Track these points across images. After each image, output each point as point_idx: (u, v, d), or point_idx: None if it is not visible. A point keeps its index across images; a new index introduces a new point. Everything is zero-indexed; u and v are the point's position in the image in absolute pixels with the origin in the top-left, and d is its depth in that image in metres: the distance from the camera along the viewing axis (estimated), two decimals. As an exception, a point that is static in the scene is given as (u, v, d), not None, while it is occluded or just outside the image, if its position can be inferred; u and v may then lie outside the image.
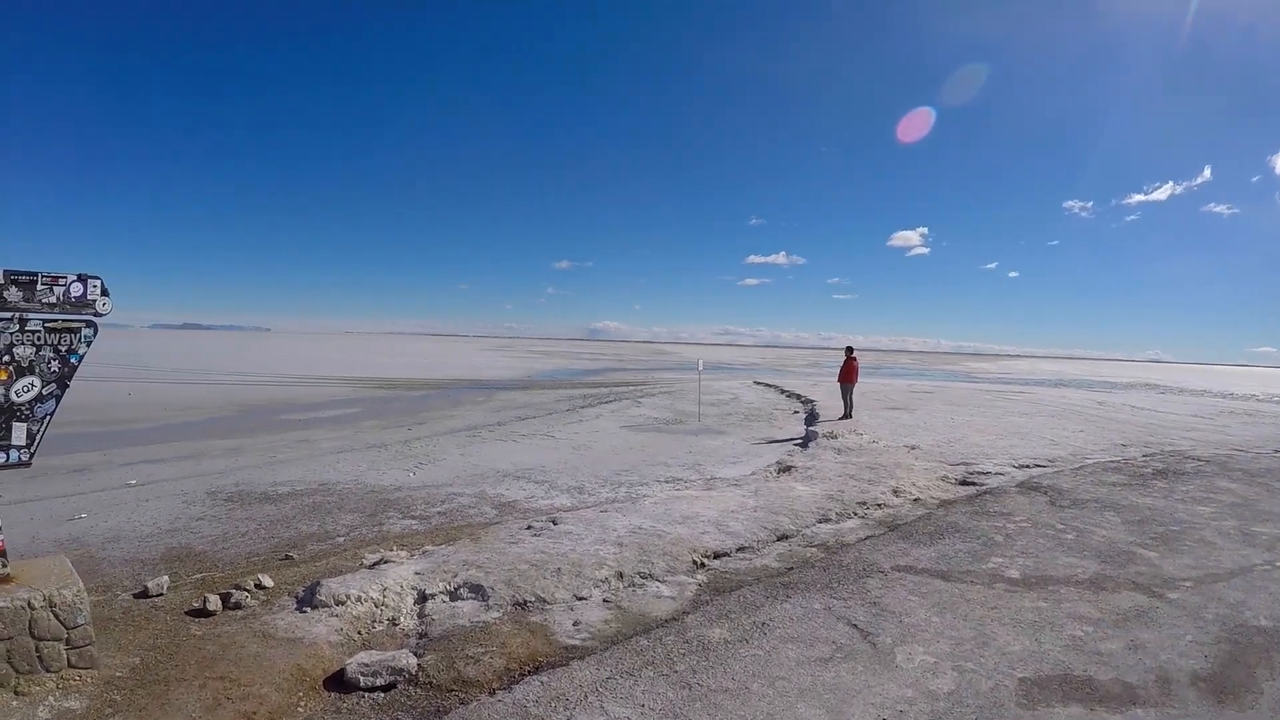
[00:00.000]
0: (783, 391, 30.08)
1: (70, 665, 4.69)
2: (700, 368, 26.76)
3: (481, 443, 16.99)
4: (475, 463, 14.34)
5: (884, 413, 20.66)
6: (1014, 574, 6.59)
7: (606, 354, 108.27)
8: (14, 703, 4.39)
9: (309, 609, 6.04)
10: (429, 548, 7.68)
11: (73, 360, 4.95)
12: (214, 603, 6.27)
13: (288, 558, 8.07)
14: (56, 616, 4.62)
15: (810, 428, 17.08)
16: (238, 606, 6.32)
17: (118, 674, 4.93)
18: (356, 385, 37.01)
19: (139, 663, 5.14)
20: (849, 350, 19.81)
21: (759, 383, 36.12)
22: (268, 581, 6.94)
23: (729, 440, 16.82)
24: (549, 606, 5.93)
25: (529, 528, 8.22)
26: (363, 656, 4.95)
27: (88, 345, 5.00)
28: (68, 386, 5.01)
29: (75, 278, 4.85)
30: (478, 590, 6.10)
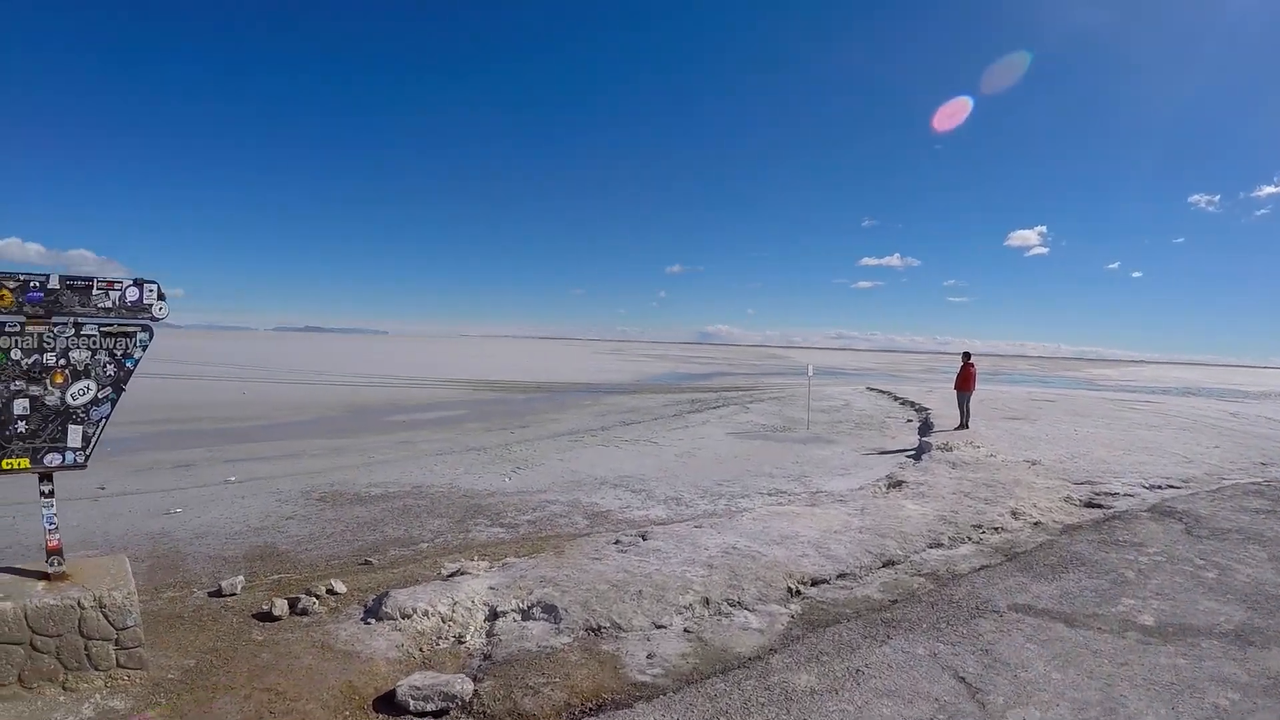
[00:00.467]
0: (896, 398, 30.11)
1: (119, 665, 4.84)
2: (810, 373, 26.19)
3: (583, 448, 17.16)
4: (574, 469, 14.42)
5: (1002, 423, 20.38)
6: (1147, 620, 6.10)
7: (717, 358, 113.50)
8: (61, 697, 4.59)
9: (374, 620, 5.96)
10: (510, 559, 7.49)
11: (128, 364, 5.17)
12: (280, 608, 6.35)
13: (367, 563, 8.20)
14: (106, 617, 4.79)
15: (924, 438, 17.11)
16: (304, 613, 6.37)
17: (170, 675, 5.02)
18: (465, 388, 38.90)
19: (193, 666, 5.23)
20: (966, 356, 19.72)
21: (871, 389, 36.62)
22: (340, 587, 6.99)
23: (838, 450, 16.88)
24: (624, 634, 5.52)
25: (616, 542, 7.89)
26: (417, 678, 4.71)
27: (143, 349, 5.22)
28: (123, 390, 5.22)
29: (131, 282, 5.09)
30: (551, 611, 5.76)
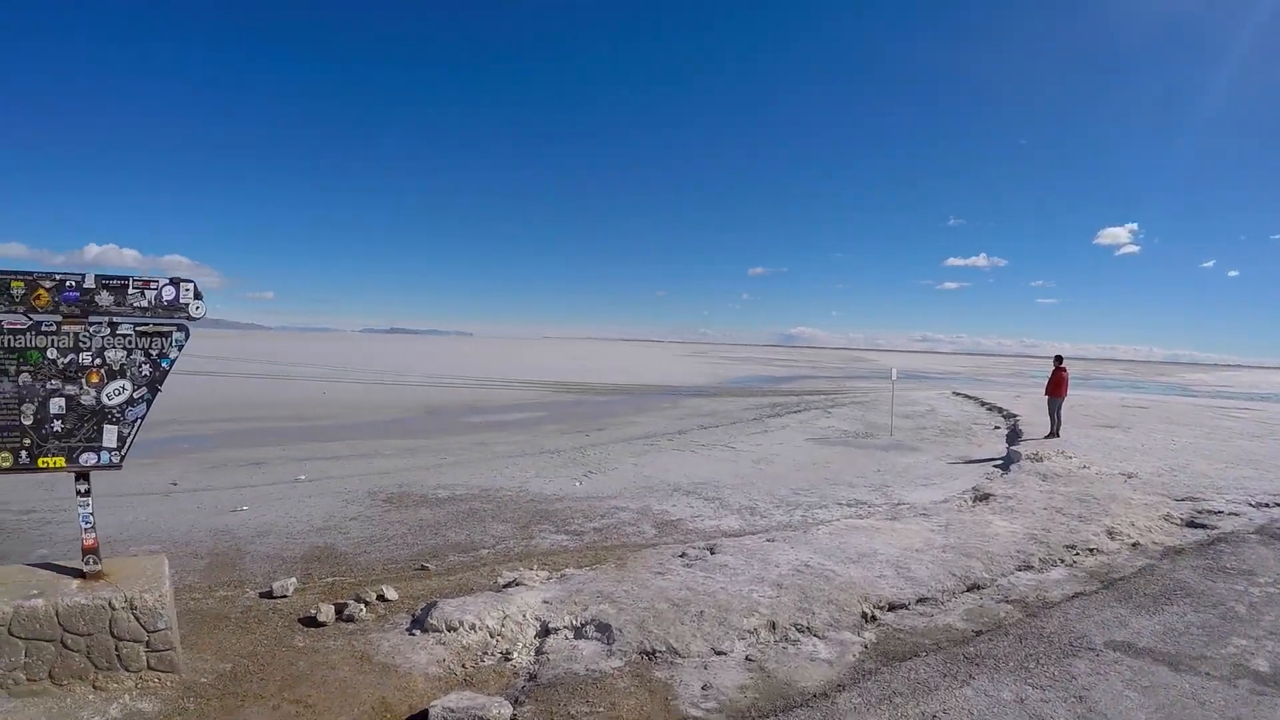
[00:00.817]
0: (983, 404, 30.38)
1: (149, 668, 4.96)
2: (894, 376, 25.66)
3: (658, 452, 17.22)
4: (647, 474, 14.40)
5: (1094, 431, 20.10)
6: (1261, 666, 5.70)
7: (800, 360, 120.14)
8: (90, 696, 4.74)
9: (419, 632, 5.89)
10: (569, 571, 7.31)
11: (164, 365, 5.33)
12: (326, 613, 6.41)
13: (423, 568, 8.24)
14: (137, 619, 4.92)
15: (1012, 447, 17.11)
16: (350, 619, 6.40)
17: (202, 680, 5.09)
18: (545, 389, 39.67)
19: (229, 670, 5.30)
20: (1058, 360, 19.66)
21: (957, 393, 37.10)
22: (391, 594, 7.01)
23: (922, 458, 16.89)
24: (679, 661, 5.22)
25: (682, 555, 7.62)
26: (453, 699, 4.55)
27: (179, 349, 5.37)
28: (159, 391, 5.37)
29: (167, 281, 5.24)
30: (605, 630, 5.52)
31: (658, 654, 5.21)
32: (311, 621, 6.33)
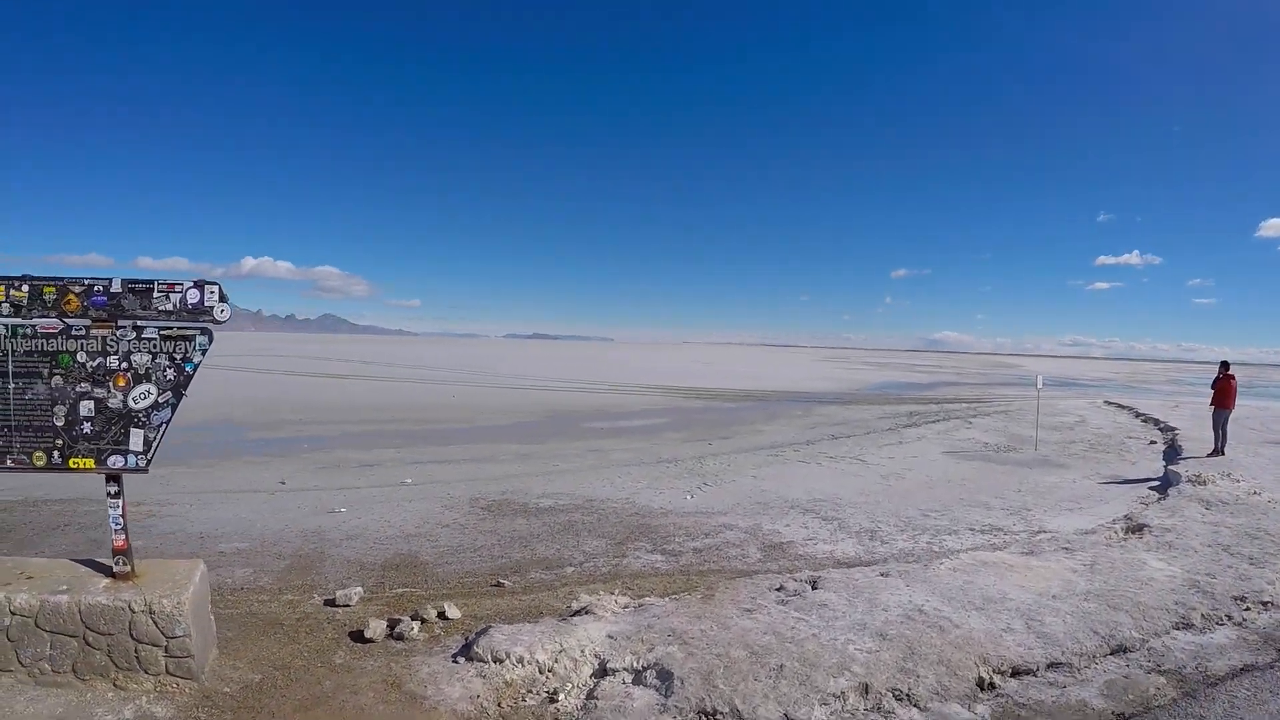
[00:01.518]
0: (1137, 415, 28.93)
1: (168, 672, 4.93)
2: (1039, 384, 23.44)
3: (781, 464, 16.50)
4: (765, 488, 13.68)
5: (1264, 450, 18.45)
6: None
7: (943, 366, 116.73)
8: (110, 694, 4.80)
9: (463, 660, 5.51)
10: (650, 600, 6.71)
11: (187, 369, 5.40)
12: (376, 629, 6.21)
13: (499, 584, 7.95)
14: (155, 623, 4.92)
15: (1170, 466, 15.94)
16: (400, 637, 6.15)
17: (225, 689, 5.01)
18: (676, 395, 39.46)
19: (256, 682, 5.19)
20: (1225, 366, 18.23)
21: (1109, 402, 35.72)
22: (454, 612, 6.72)
23: (1068, 476, 15.72)
24: None
25: (780, 588, 6.79)
26: (470, 745, 4.01)
27: (203, 353, 5.42)
28: (184, 395, 5.44)
29: (192, 284, 5.33)
30: (666, 678, 4.85)
31: (718, 715, 4.45)
32: (360, 636, 6.14)
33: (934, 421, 26.54)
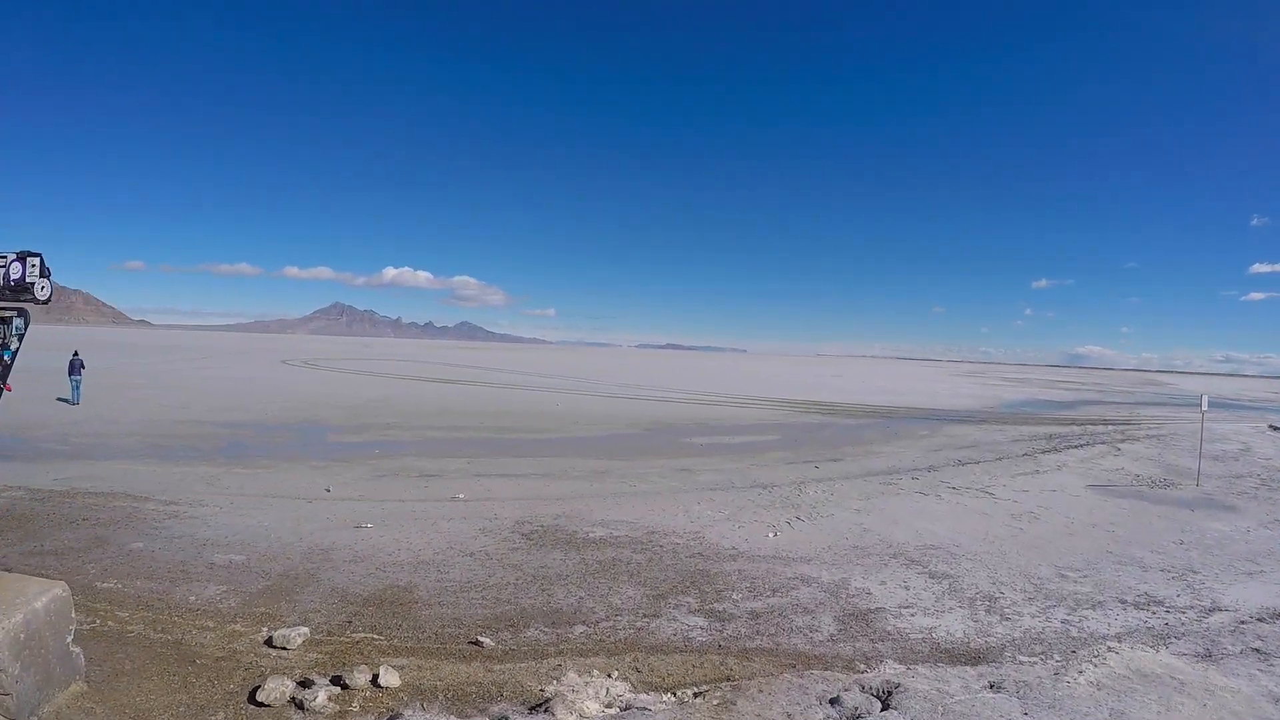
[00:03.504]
0: None
1: None
2: (1204, 406, 19.88)
3: (894, 494, 14.37)
4: (867, 526, 11.66)
5: None
6: None
7: (1086, 383, 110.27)
8: None
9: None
10: (647, 699, 5.07)
11: (5, 356, 4.64)
12: (276, 692, 5.07)
13: (476, 643, 6.48)
14: None
15: None
16: (300, 706, 4.90)
17: None
18: (793, 409, 37.25)
19: None
20: None
21: (1276, 427, 31.85)
22: (390, 679, 5.37)
23: (1241, 524, 13.19)
24: None
25: (834, 701, 4.86)
26: None
27: (20, 339, 4.63)
28: (3, 390, 4.67)
29: (15, 256, 4.49)
30: None
31: None
32: (254, 700, 5.00)
33: (1076, 446, 23.85)
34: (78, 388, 26.39)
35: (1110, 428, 31.61)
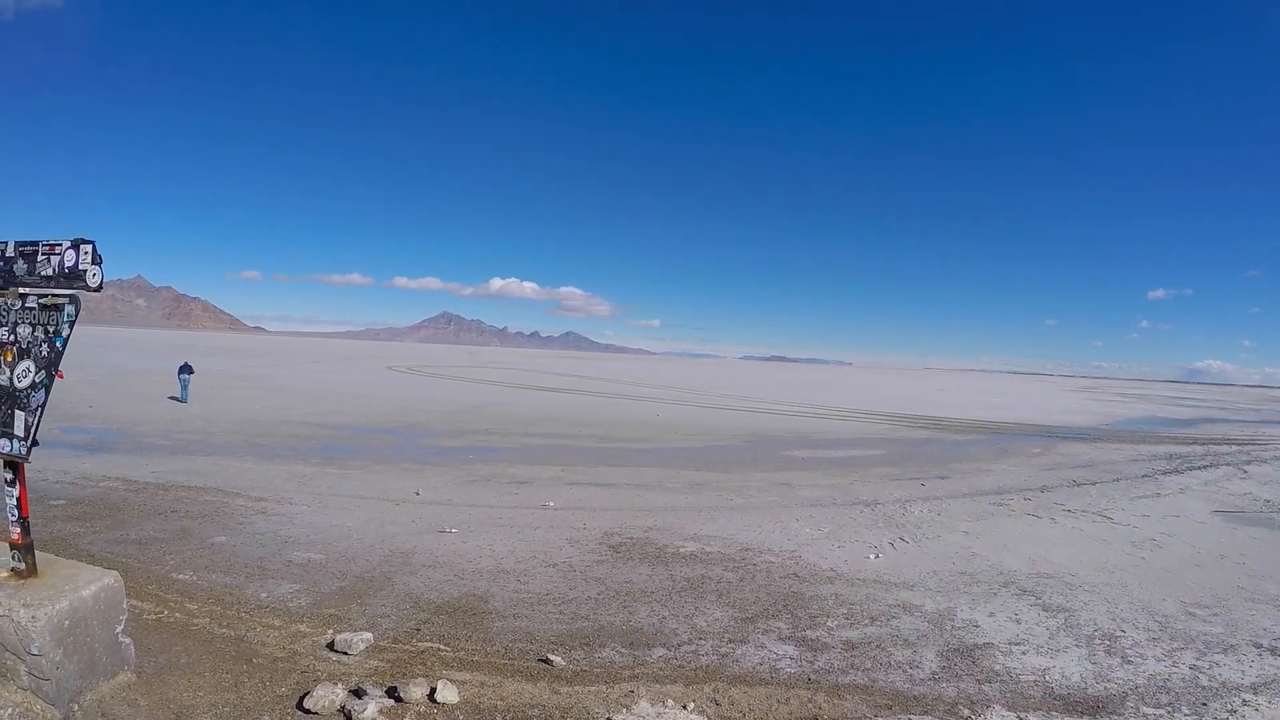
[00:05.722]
0: None
1: (33, 692, 4.31)
2: None
3: (1005, 516, 13.45)
4: (976, 550, 10.81)
5: None
6: None
7: (1207, 400, 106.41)
8: None
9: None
10: None
11: (58, 343, 4.67)
12: (326, 700, 4.81)
13: (546, 661, 6.06)
14: (15, 632, 4.30)
15: None
16: (349, 718, 4.57)
17: None
18: (898, 424, 35.72)
19: None
20: None
21: None
22: (448, 695, 5.05)
23: None
24: None
25: None
26: None
27: (70, 326, 4.65)
28: (55, 376, 4.69)
29: (69, 244, 4.60)
30: None
31: None
32: (301, 706, 4.77)
33: (1199, 468, 22.25)
34: (186, 387, 28.21)
35: (1235, 447, 29.49)
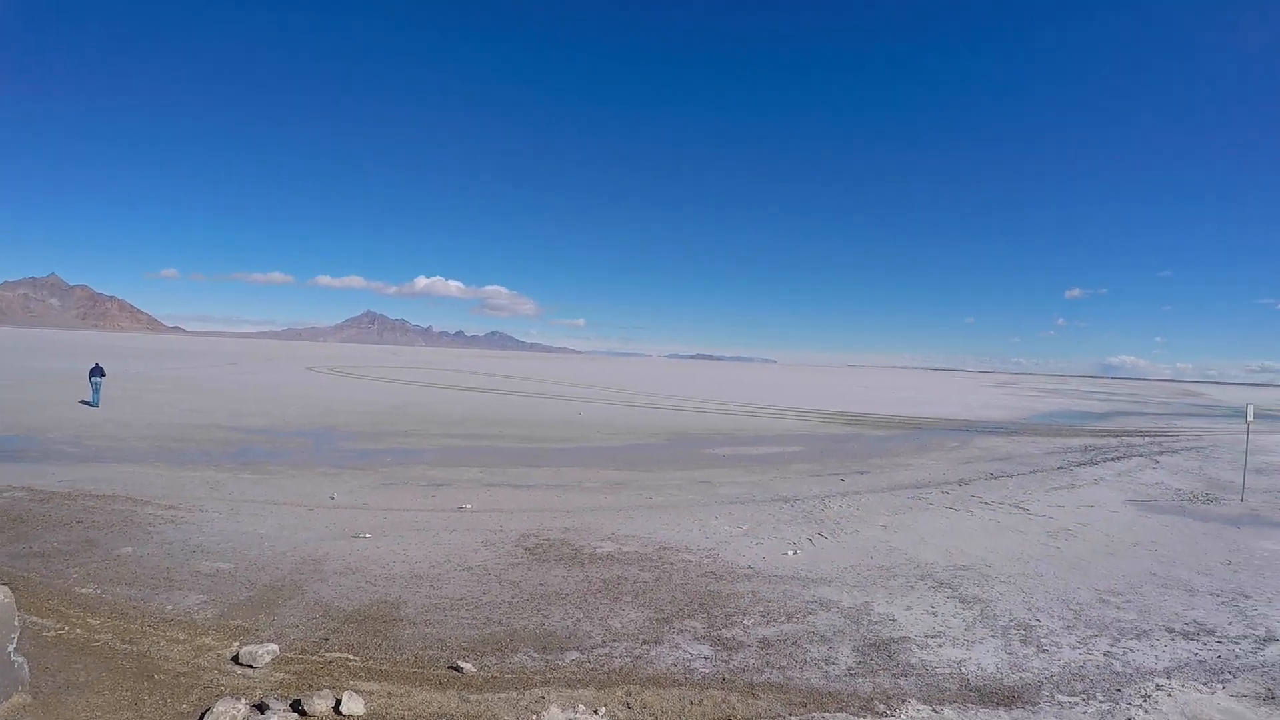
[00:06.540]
0: None
1: None
2: (1250, 416, 19.24)
3: (922, 510, 13.80)
4: (893, 544, 11.12)
5: None
6: None
7: (1120, 394, 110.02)
8: None
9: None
10: None
11: None
12: (225, 718, 4.72)
13: (456, 668, 6.02)
14: None
15: None
16: None
17: None
18: (820, 420, 36.63)
19: None
20: None
21: None
22: (353, 707, 4.96)
23: None
24: None
25: None
26: None
27: None
28: None
29: None
30: None
31: None
32: None
33: (1113, 459, 23.45)
34: (98, 390, 26.83)
35: (1147, 439, 31.06)
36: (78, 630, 6.28)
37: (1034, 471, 20.00)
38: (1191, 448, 26.83)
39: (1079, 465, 21.47)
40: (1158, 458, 23.54)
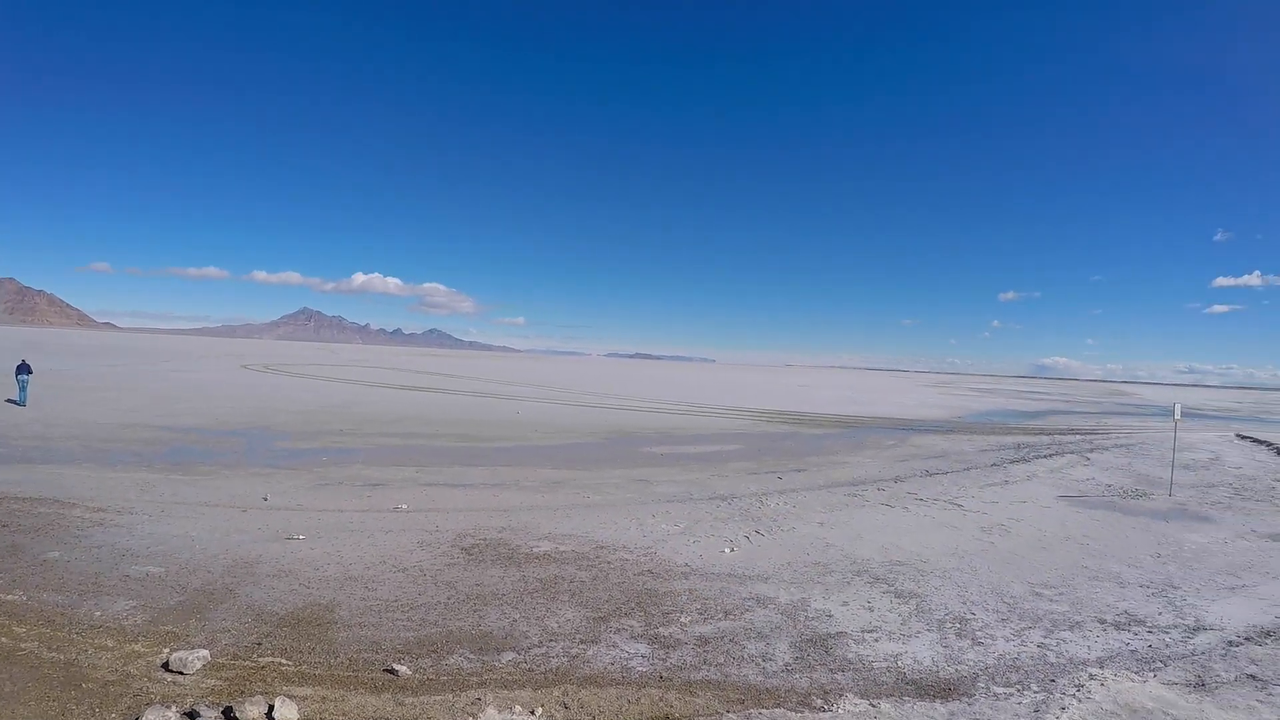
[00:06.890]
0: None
1: None
2: (1177, 414, 20.89)
3: (859, 507, 14.06)
4: (830, 541, 11.31)
5: None
6: None
7: (1053, 393, 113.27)
8: None
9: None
10: None
11: None
12: None
13: (391, 671, 5.95)
14: None
15: None
16: None
17: None
18: (758, 418, 37.26)
19: None
20: None
21: (1243, 436, 32.77)
22: (286, 713, 4.96)
23: (1218, 534, 13.08)
24: None
25: None
26: None
27: None
28: None
29: None
30: None
31: None
32: None
33: (1046, 456, 24.12)
34: (24, 388, 25.75)
35: (1079, 437, 32.02)
36: (2, 639, 6.09)
37: (968, 469, 20.53)
38: (1121, 445, 27.75)
39: (1012, 462, 22.09)
40: (1089, 455, 24.19)
